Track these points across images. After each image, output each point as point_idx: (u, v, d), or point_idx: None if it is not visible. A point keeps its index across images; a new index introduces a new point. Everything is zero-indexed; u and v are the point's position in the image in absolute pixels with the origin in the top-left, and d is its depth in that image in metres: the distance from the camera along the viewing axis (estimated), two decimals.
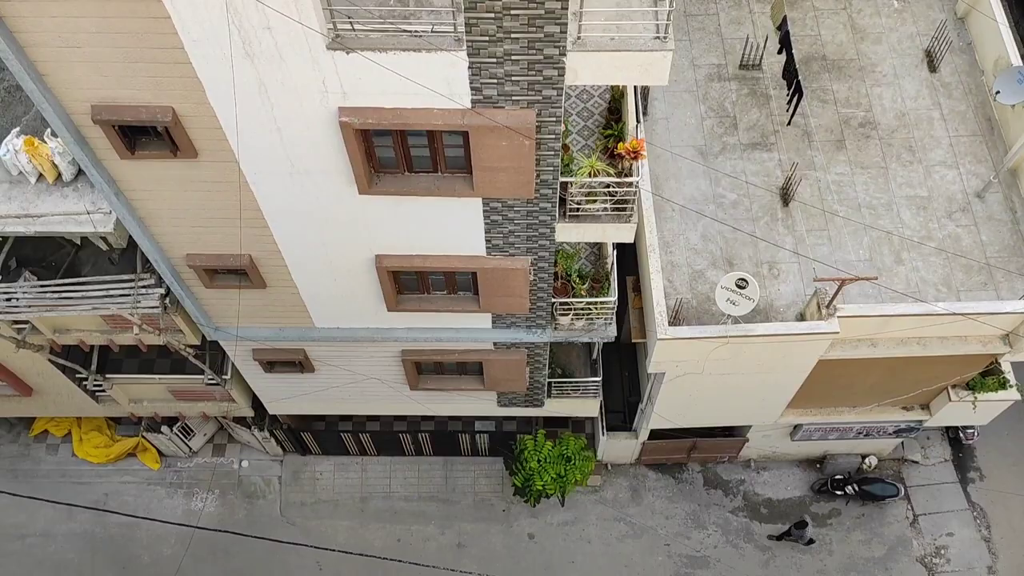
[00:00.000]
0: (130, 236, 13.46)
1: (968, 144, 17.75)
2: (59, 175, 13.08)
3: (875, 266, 16.47)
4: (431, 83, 9.86)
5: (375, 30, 9.49)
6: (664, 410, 18.73)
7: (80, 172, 13.05)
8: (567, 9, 9.10)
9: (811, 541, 22.15)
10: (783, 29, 17.38)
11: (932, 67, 18.46)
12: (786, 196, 16.99)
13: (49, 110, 10.57)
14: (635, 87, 14.11)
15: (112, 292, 14.95)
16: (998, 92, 16.66)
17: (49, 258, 15.43)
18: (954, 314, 15.32)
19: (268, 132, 10.91)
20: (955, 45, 18.57)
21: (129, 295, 14.98)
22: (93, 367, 18.52)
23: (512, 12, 9.11)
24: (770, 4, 18.50)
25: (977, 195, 17.19)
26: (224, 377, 18.55)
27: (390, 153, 11.35)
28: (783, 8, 17.40)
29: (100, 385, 18.90)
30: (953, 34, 18.53)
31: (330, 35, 9.48)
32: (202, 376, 18.43)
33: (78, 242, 15.37)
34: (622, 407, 21.84)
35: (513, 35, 9.39)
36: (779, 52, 17.77)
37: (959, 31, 18.77)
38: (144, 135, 11.25)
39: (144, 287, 14.95)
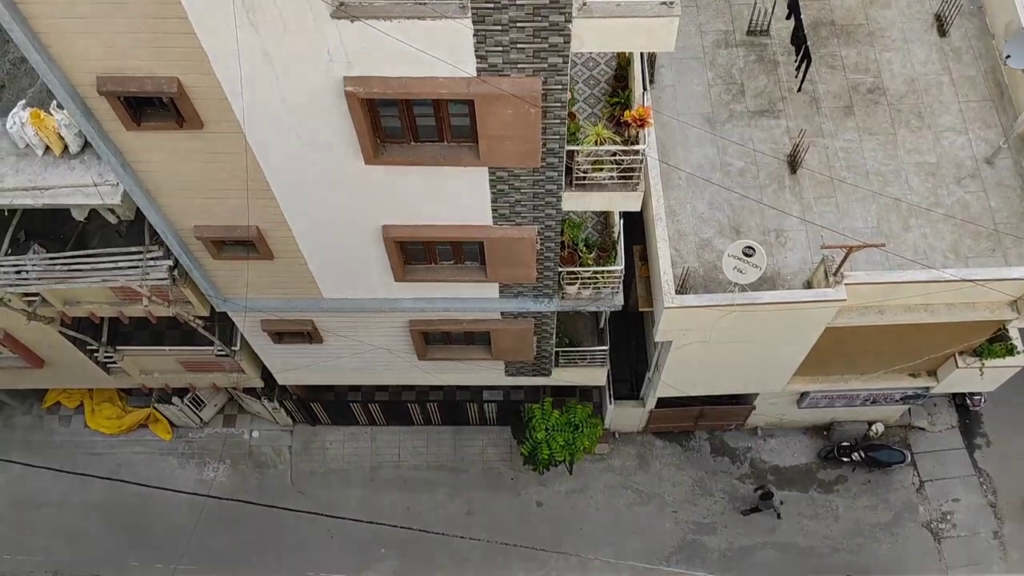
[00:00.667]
0: (138, 208, 13.49)
1: (978, 109, 17.60)
2: (66, 147, 13.09)
3: (883, 233, 16.42)
4: (436, 51, 9.82)
5: None
6: (671, 378, 18.80)
7: (87, 144, 13.05)
8: None
9: (779, 515, 22.10)
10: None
11: (942, 31, 18.26)
12: (794, 163, 16.91)
13: (54, 82, 10.56)
14: (641, 54, 14.00)
15: (121, 264, 15.03)
16: (1008, 56, 16.47)
17: (58, 231, 15.49)
18: (962, 280, 15.29)
19: (273, 102, 10.89)
20: (965, 9, 18.35)
21: (138, 267, 15.05)
22: (104, 339, 18.66)
23: None
24: None
25: (986, 161, 17.08)
26: (233, 348, 18.67)
27: (396, 123, 11.33)
28: None
29: (111, 357, 19.05)
30: None
31: (334, 3, 9.43)
32: (212, 347, 18.55)
33: (86, 215, 15.41)
34: (629, 376, 21.93)
35: (518, 2, 9.32)
36: (787, 17, 17.59)
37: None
38: (150, 106, 11.24)
39: (152, 259, 15.01)
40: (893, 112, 17.56)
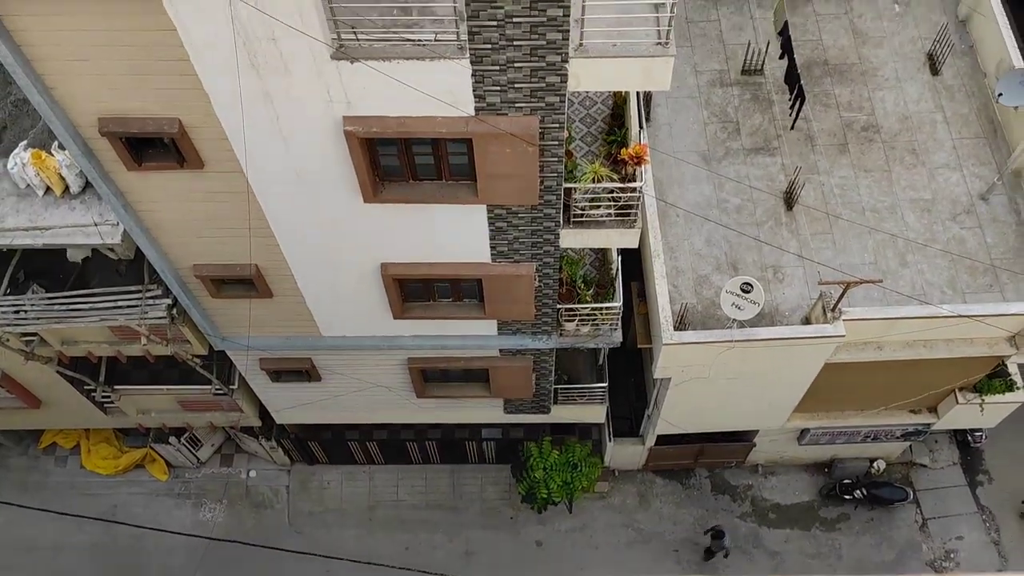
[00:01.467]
0: (137, 247, 13.55)
1: (971, 146, 17.76)
2: (66, 188, 13.18)
3: (880, 269, 16.48)
4: (435, 91, 9.93)
5: (379, 39, 9.57)
6: (670, 415, 18.73)
7: (87, 184, 13.14)
8: (569, 16, 9.17)
9: (727, 552, 21.76)
10: (784, 34, 17.45)
11: (934, 70, 18.49)
12: (790, 200, 17.03)
13: (56, 123, 10.67)
14: (638, 93, 14.17)
15: (120, 303, 15.04)
16: (1001, 94, 16.68)
17: (57, 270, 15.52)
18: (960, 316, 15.32)
19: (274, 142, 10.99)
20: (957, 48, 18.61)
21: (136, 306, 15.06)
22: (101, 378, 18.60)
23: (514, 20, 9.18)
24: (771, 9, 18.56)
25: (981, 197, 17.20)
26: (231, 387, 18.61)
27: (395, 161, 11.42)
28: (784, 13, 17.47)
29: (108, 396, 18.99)
30: (955, 37, 18.57)
31: (334, 45, 9.56)
32: (209, 386, 18.49)
33: (88, 254, 15.46)
34: (628, 413, 21.84)
35: (516, 43, 9.46)
36: (781, 57, 17.83)
37: (960, 34, 18.81)
38: (151, 147, 11.34)
39: (151, 298, 15.03)
40: (887, 149, 17.72)
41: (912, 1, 19.28)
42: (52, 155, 12.73)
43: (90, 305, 15.06)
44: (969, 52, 18.71)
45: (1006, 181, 17.28)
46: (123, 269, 15.44)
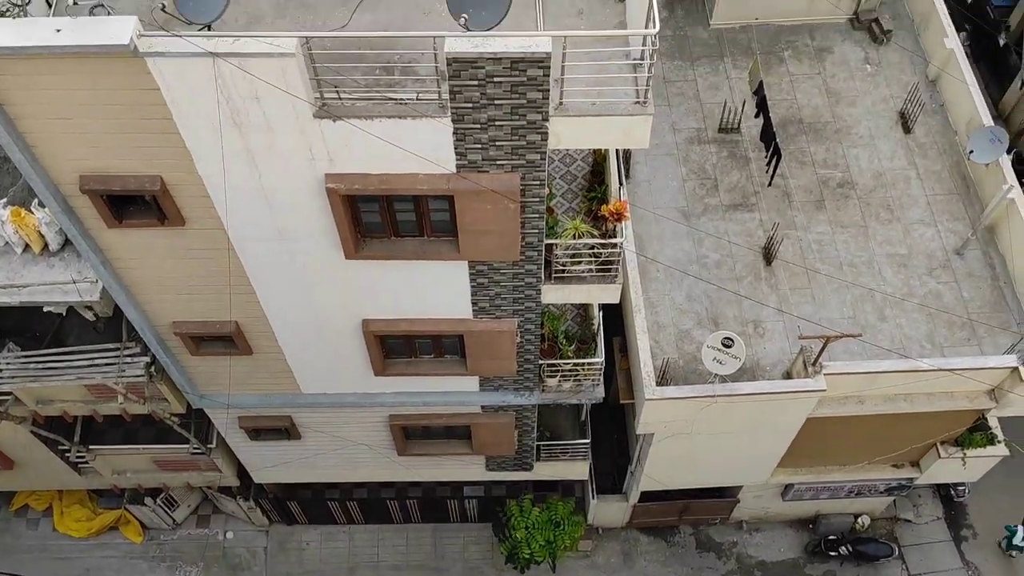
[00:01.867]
0: (116, 304, 13.44)
1: (945, 202, 18.07)
2: (45, 245, 13.11)
3: (859, 323, 16.60)
4: (416, 149, 10.02)
5: (361, 98, 9.68)
6: (654, 471, 18.59)
7: (67, 242, 13.08)
8: (549, 76, 9.32)
9: None
10: (759, 94, 17.81)
11: (906, 128, 18.89)
12: (769, 255, 17.19)
13: (37, 181, 10.65)
14: (617, 150, 14.36)
15: (97, 361, 14.87)
16: (972, 151, 17.04)
17: (34, 327, 15.35)
18: (939, 370, 15.41)
19: (256, 199, 11.02)
20: (928, 107, 19.04)
21: (114, 364, 14.89)
22: (76, 438, 18.27)
23: (495, 80, 9.32)
24: (746, 70, 18.97)
25: (956, 252, 17.44)
26: (209, 446, 18.33)
27: (376, 218, 11.46)
28: (759, 73, 17.85)
29: (83, 457, 18.64)
30: (925, 96, 19.01)
31: (317, 104, 9.66)
32: (187, 445, 18.21)
33: (63, 312, 15.31)
34: (612, 469, 21.65)
35: (496, 102, 9.59)
36: (756, 116, 18.17)
37: (931, 93, 19.27)
38: (131, 204, 11.32)
39: (129, 356, 14.87)
40: (863, 205, 17.99)
41: (883, 61, 19.77)
42: (32, 213, 12.68)
43: (67, 363, 14.87)
44: (940, 111, 19.14)
45: (980, 236, 17.55)
46: (101, 327, 15.29)
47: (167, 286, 12.75)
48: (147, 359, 14.89)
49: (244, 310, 13.25)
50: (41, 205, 12.49)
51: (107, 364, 14.91)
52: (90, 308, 14.90)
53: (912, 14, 20.24)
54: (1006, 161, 17.17)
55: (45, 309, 14.49)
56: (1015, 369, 15.73)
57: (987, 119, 17.78)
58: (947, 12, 19.35)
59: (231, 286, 12.43)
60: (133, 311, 13.23)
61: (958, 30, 19.59)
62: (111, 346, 14.82)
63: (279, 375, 15.10)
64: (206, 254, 12.02)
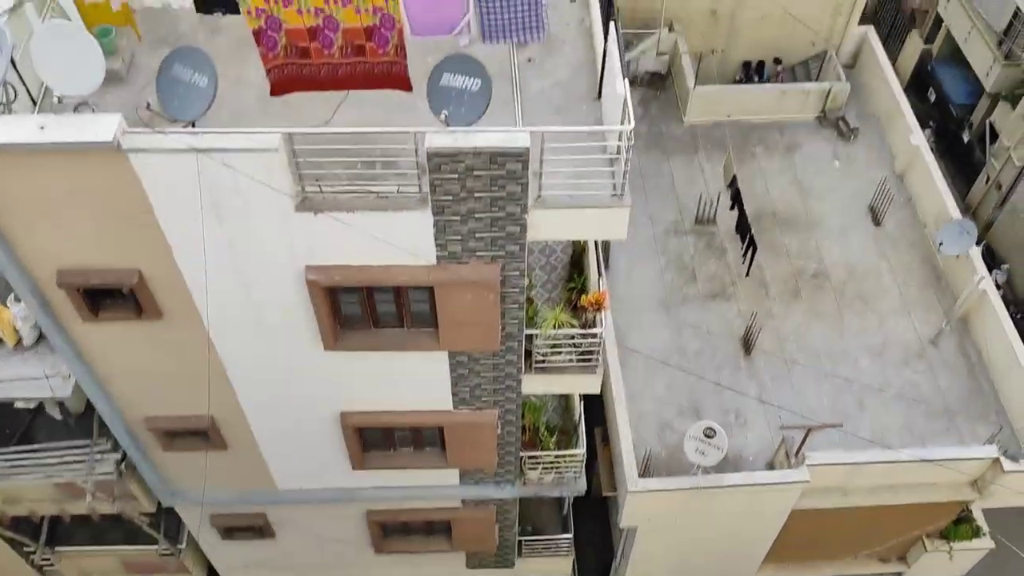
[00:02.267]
0: (88, 400, 13.21)
1: (918, 293, 18.35)
2: (19, 340, 12.94)
3: (839, 413, 16.59)
4: (397, 241, 10.10)
5: (343, 192, 9.80)
6: (638, 567, 18.18)
7: (41, 336, 12.93)
8: (528, 169, 9.50)
9: None
10: (733, 187, 18.24)
11: (876, 221, 19.32)
12: (747, 345, 17.28)
13: (14, 275, 10.58)
14: (596, 241, 14.54)
15: (67, 458, 14.51)
16: (942, 243, 17.42)
17: (3, 425, 15.02)
18: (920, 460, 15.36)
19: (235, 291, 10.99)
20: (897, 201, 19.53)
21: (84, 461, 14.53)
22: (42, 539, 17.66)
23: (475, 173, 9.48)
24: (720, 164, 19.45)
25: (931, 342, 17.62)
26: (179, 546, 17.77)
27: (356, 309, 11.45)
28: (732, 168, 18.32)
29: (48, 559, 17.98)
30: (894, 190, 19.52)
31: (299, 197, 9.76)
32: (156, 546, 17.63)
33: (33, 407, 15.01)
34: (596, 564, 21.14)
35: (476, 194, 9.73)
36: (732, 208, 18.55)
37: (899, 187, 19.79)
38: (108, 297, 11.24)
39: (100, 452, 14.54)
40: (838, 296, 18.23)
41: (851, 157, 20.37)
42: (7, 307, 12.56)
43: (35, 461, 14.50)
44: (908, 204, 19.63)
45: (954, 326, 17.77)
46: (72, 422, 14.99)
47: (141, 380, 12.57)
48: (117, 456, 14.56)
49: (220, 404, 13.04)
50: (17, 300, 12.38)
51: (77, 461, 14.55)
52: (62, 404, 14.62)
53: (877, 112, 20.98)
54: (976, 253, 17.55)
55: (16, 405, 14.22)
56: (996, 460, 15.71)
57: (955, 212, 18.25)
58: (911, 110, 20.07)
59: (208, 379, 12.27)
60: (105, 406, 12.99)
61: (922, 127, 20.31)
62: (81, 443, 14.50)
63: (254, 470, 14.77)
64: (183, 347, 11.90)
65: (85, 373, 12.28)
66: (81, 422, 14.91)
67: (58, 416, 14.86)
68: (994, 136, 24.42)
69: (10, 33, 9.24)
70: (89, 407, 14.56)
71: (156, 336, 11.71)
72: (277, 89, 10.01)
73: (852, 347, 17.52)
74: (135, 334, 11.68)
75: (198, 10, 9.76)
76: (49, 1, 10.57)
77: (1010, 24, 23.60)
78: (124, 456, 14.62)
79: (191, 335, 11.67)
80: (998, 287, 19.66)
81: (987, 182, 24.74)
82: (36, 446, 14.47)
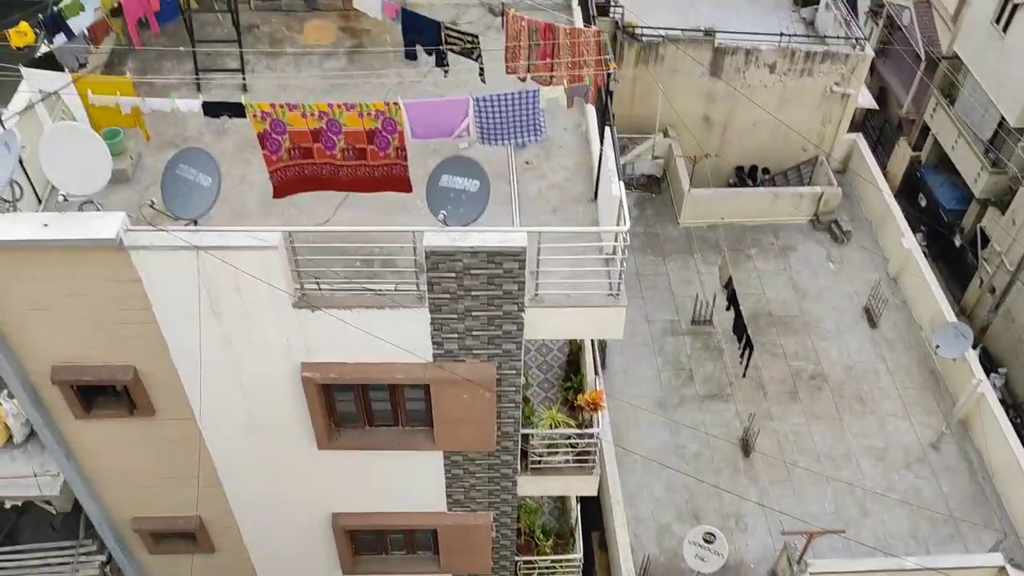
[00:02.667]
0: (75, 499, 12.97)
1: (916, 395, 18.26)
2: (10, 437, 12.79)
3: (841, 518, 16.27)
4: (394, 338, 10.11)
5: (341, 289, 9.87)
6: None
7: (31, 433, 12.78)
8: (524, 269, 9.60)
9: None
10: (729, 288, 18.38)
11: (872, 323, 19.39)
12: (746, 447, 17.09)
13: (9, 371, 10.54)
14: (593, 340, 14.55)
15: (51, 560, 14.14)
16: (938, 346, 17.44)
17: None
18: (926, 569, 14.97)
19: (230, 388, 10.93)
20: (892, 303, 19.66)
21: (69, 563, 14.15)
22: None
23: (472, 272, 9.57)
24: (716, 265, 19.66)
25: (932, 446, 17.43)
26: None
27: (351, 407, 11.36)
28: (728, 269, 18.51)
29: None
30: (888, 293, 19.67)
31: (297, 294, 9.82)
32: None
33: (19, 506, 14.71)
34: None
35: (473, 293, 9.80)
36: (728, 309, 18.64)
37: (893, 290, 19.95)
38: (101, 394, 11.18)
39: (85, 554, 14.17)
40: (836, 397, 18.13)
41: (845, 259, 20.62)
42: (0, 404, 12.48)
43: (18, 563, 14.12)
44: (903, 306, 19.76)
45: (954, 430, 17.62)
46: (58, 523, 14.66)
47: (131, 479, 12.36)
48: (103, 557, 14.18)
49: (209, 504, 12.79)
50: (10, 396, 12.30)
51: (60, 563, 14.17)
52: (49, 503, 14.34)
53: (869, 216, 21.35)
54: (973, 356, 17.58)
55: (5, 505, 13.95)
56: (1002, 568, 15.32)
57: (950, 316, 18.34)
58: (902, 215, 20.44)
59: (199, 479, 12.07)
60: (93, 506, 12.72)
61: (914, 231, 20.63)
62: (67, 544, 14.15)
63: (242, 574, 14.36)
64: (174, 446, 11.75)
65: (74, 471, 12.09)
66: (68, 521, 14.59)
67: (50, 509, 14.57)
68: (985, 241, 24.77)
69: (20, 134, 9.48)
70: (77, 504, 14.28)
71: (148, 433, 11.58)
72: (279, 192, 10.21)
73: (853, 450, 17.32)
74: (126, 431, 11.55)
75: (206, 114, 10.02)
76: (59, 103, 10.87)
77: (995, 133, 24.26)
78: (109, 558, 14.25)
79: (183, 433, 11.55)
80: (996, 391, 19.59)
81: (980, 286, 24.95)
82: (19, 547, 14.12)
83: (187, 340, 10.25)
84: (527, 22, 11.25)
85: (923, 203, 27.76)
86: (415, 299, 9.88)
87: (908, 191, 28.03)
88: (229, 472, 12.33)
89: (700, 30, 20.92)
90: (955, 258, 26.72)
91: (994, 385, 19.53)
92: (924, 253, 20.17)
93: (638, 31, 20.67)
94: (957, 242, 26.52)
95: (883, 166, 26.26)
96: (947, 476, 17.00)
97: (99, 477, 12.36)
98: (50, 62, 10.65)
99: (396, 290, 9.89)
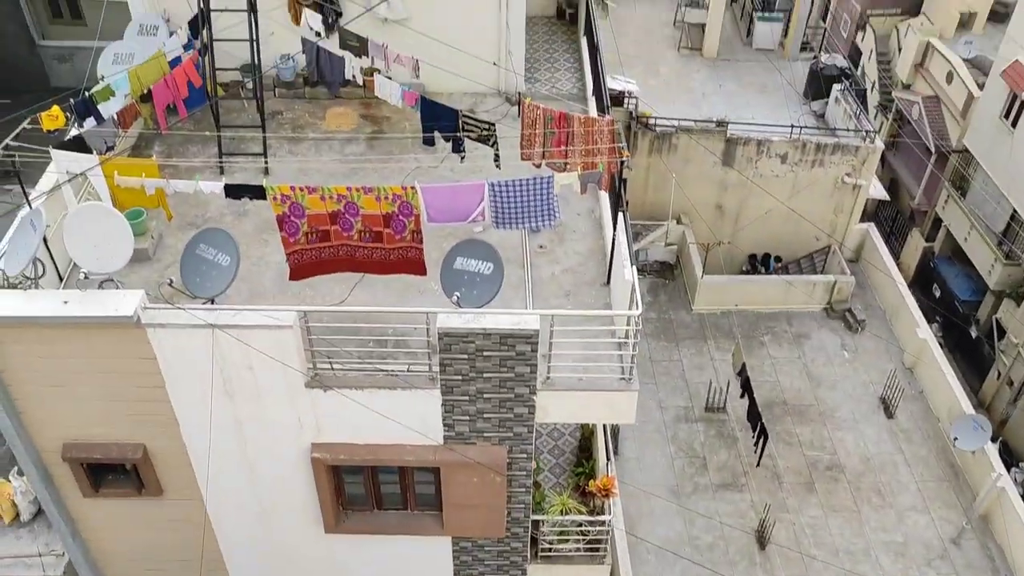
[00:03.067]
0: None
1: (935, 489, 17.90)
2: (16, 515, 12.69)
3: None
4: (405, 419, 10.08)
5: (353, 369, 9.90)
6: None
7: (39, 511, 12.69)
8: (537, 352, 9.61)
9: None
10: (743, 375, 18.27)
11: (889, 413, 19.17)
12: (762, 539, 16.71)
13: (20, 448, 10.54)
14: (605, 426, 14.43)
15: None
16: (956, 439, 17.18)
17: None
18: None
19: (239, 468, 10.86)
20: (908, 393, 19.46)
21: None
22: None
23: (485, 354, 9.59)
24: (730, 352, 19.59)
25: (953, 542, 17.00)
26: None
27: (360, 489, 11.24)
28: (742, 356, 18.44)
29: None
30: (904, 383, 19.49)
31: (310, 374, 9.85)
32: None
33: None
34: None
35: (485, 375, 9.80)
36: (741, 396, 18.49)
37: (910, 380, 19.77)
38: (110, 472, 11.13)
39: None
40: (854, 489, 17.80)
41: (859, 348, 20.51)
42: (8, 481, 12.42)
43: None
44: (920, 397, 19.54)
45: (975, 525, 17.20)
46: None
47: (136, 559, 12.18)
48: None
49: None
50: (20, 473, 12.26)
51: None
52: None
53: (883, 305, 21.33)
54: (992, 449, 17.29)
55: None
56: None
57: (968, 407, 18.12)
58: (916, 305, 20.41)
59: (203, 560, 11.90)
60: None
61: (929, 322, 20.56)
62: None
63: None
64: (181, 526, 11.62)
65: (80, 551, 11.95)
66: None
67: None
68: (1002, 332, 24.62)
69: (46, 213, 9.71)
70: None
71: (155, 513, 11.48)
72: (295, 275, 10.36)
73: (872, 544, 16.90)
74: (134, 511, 11.46)
75: (227, 195, 10.25)
76: (86, 184, 11.16)
77: (1008, 225, 24.38)
78: None
79: (189, 513, 11.43)
80: (1017, 485, 19.18)
81: (998, 378, 24.68)
82: None
83: (198, 419, 10.25)
84: (543, 110, 11.55)
85: (937, 294, 27.71)
86: (427, 380, 9.88)
87: (922, 282, 28.03)
88: (234, 554, 12.15)
89: (712, 121, 21.36)
90: (972, 349, 26.51)
91: (1015, 480, 19.12)
92: (940, 344, 20.05)
93: (652, 121, 21.12)
94: (973, 333, 26.36)
95: (896, 257, 26.34)
96: (969, 574, 16.51)
97: (104, 557, 12.19)
98: (79, 144, 10.98)
99: (408, 371, 9.91)
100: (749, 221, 22.12)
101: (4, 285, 9.59)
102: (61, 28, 22.49)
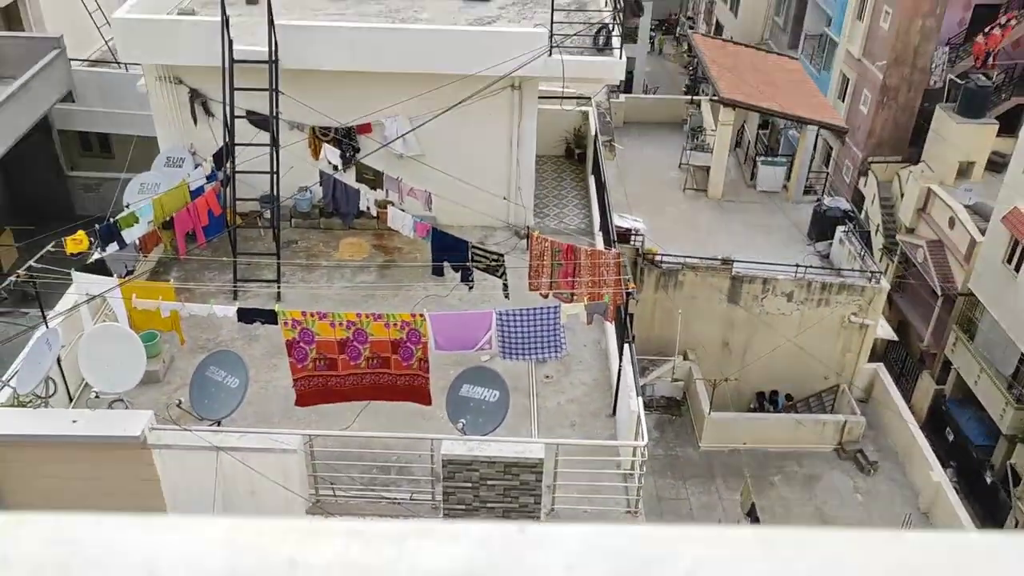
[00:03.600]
0: None
1: None
2: None
3: None
4: None
5: (355, 496, 9.80)
6: None
7: None
8: (541, 481, 9.52)
9: None
10: (753, 515, 17.87)
11: None
12: None
13: None
14: None
15: None
16: None
17: None
18: None
19: None
20: None
21: None
22: None
23: (488, 483, 9.51)
24: (738, 491, 19.23)
25: None
26: None
27: None
28: (751, 496, 18.09)
29: None
30: (920, 528, 18.99)
31: (311, 500, 9.76)
32: None
33: None
34: None
35: (489, 504, 9.67)
36: None
37: (925, 525, 19.27)
38: None
39: None
40: None
41: (872, 491, 20.10)
42: None
43: None
44: None
45: None
46: None
47: None
48: None
49: None
50: None
51: None
52: None
53: (895, 447, 21.04)
54: None
55: None
56: None
57: None
58: (929, 448, 20.13)
59: None
60: None
61: (944, 466, 20.22)
62: None
63: None
64: None
65: None
66: None
67: None
68: (1017, 478, 24.12)
69: (62, 333, 9.91)
70: None
71: None
72: (301, 402, 10.41)
73: None
74: None
75: (240, 319, 10.46)
76: (103, 305, 11.41)
77: (1017, 369, 24.32)
78: None
79: None
80: None
81: (1016, 525, 24.01)
82: None
83: None
84: (551, 243, 11.89)
85: (951, 438, 27.33)
86: (429, 508, 9.77)
87: (934, 424, 27.68)
88: None
89: (718, 259, 21.77)
90: (987, 495, 25.91)
91: None
92: (956, 489, 19.64)
93: (658, 258, 21.54)
94: (988, 479, 25.84)
95: (908, 398, 26.16)
96: None
97: None
98: (100, 268, 11.31)
99: (411, 499, 9.81)
100: (756, 358, 22.16)
101: (14, 403, 9.69)
102: (90, 160, 23.47)
